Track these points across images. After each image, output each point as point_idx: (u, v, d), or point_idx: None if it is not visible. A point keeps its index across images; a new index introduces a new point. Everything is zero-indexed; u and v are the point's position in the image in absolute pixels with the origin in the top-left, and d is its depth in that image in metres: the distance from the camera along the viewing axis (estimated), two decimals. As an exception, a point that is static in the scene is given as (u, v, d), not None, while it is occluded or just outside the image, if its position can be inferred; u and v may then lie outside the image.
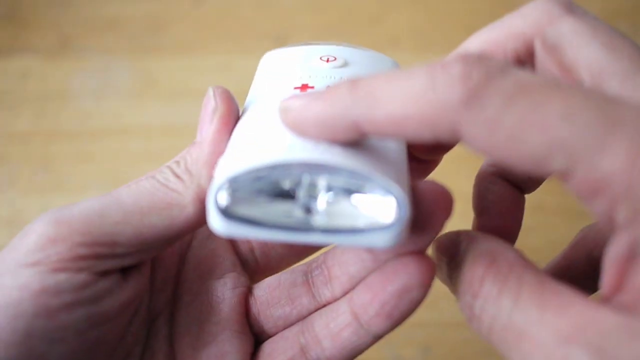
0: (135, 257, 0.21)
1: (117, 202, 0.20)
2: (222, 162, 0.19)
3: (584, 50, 0.19)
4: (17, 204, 0.42)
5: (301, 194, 0.18)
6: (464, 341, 0.37)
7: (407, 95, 0.16)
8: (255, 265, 0.26)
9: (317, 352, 0.22)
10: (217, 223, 0.18)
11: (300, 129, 0.19)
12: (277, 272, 0.26)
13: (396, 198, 0.18)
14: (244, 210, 0.18)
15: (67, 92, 0.46)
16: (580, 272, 0.24)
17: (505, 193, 0.24)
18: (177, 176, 0.21)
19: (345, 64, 0.24)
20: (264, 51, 0.25)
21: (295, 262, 0.26)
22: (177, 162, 0.21)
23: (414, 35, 0.48)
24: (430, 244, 0.20)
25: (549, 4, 0.20)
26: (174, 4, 0.50)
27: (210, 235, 0.26)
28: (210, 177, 0.20)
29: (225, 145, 0.21)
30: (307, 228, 0.18)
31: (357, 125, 0.17)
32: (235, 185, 0.18)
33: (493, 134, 0.15)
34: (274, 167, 0.18)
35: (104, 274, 0.20)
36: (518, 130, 0.15)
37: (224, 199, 0.18)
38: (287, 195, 0.18)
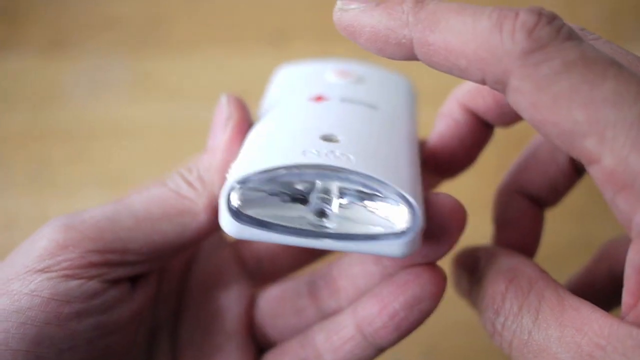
0: (146, 265, 0.20)
1: (128, 208, 0.20)
2: (235, 165, 0.19)
3: None
4: (13, 205, 0.41)
5: (314, 198, 0.18)
6: (465, 343, 0.36)
7: (470, 29, 0.16)
8: (261, 275, 0.26)
9: None
10: (228, 224, 0.18)
11: (352, 33, 0.18)
12: (280, 279, 0.26)
13: (410, 206, 0.17)
14: (256, 212, 0.18)
15: (63, 91, 0.46)
16: (602, 286, 0.24)
17: (525, 208, 0.24)
18: (189, 183, 0.21)
19: (359, 81, 0.24)
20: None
21: (299, 270, 0.26)
22: (189, 169, 0.21)
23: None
24: (442, 257, 0.20)
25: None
26: (172, 3, 0.50)
27: (216, 246, 0.25)
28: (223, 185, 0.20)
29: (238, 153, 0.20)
30: (320, 233, 0.18)
31: (410, 45, 0.17)
32: (247, 186, 0.18)
33: (540, 93, 0.15)
34: (288, 170, 0.18)
35: (115, 282, 0.20)
36: (565, 97, 0.15)
37: (236, 199, 0.18)
38: (300, 199, 0.18)
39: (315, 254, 0.26)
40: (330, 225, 0.18)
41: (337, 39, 0.52)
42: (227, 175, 0.19)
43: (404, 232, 0.17)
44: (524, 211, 0.24)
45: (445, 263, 0.21)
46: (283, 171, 0.17)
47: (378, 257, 0.21)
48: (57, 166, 0.43)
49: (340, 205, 0.18)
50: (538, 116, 0.15)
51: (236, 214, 0.18)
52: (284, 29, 0.47)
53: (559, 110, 0.15)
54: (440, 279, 0.20)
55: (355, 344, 0.21)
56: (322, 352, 0.21)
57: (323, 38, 0.47)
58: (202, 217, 0.20)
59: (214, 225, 0.20)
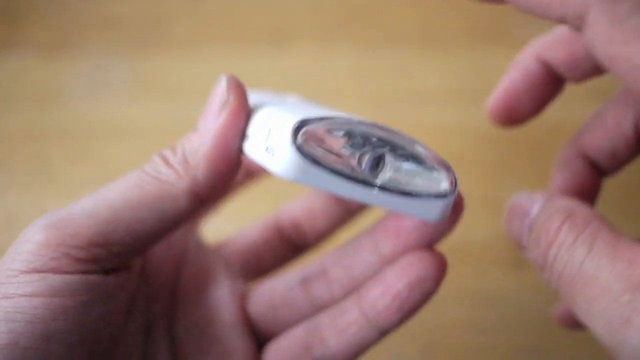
0: (134, 252, 0.20)
1: (106, 200, 0.20)
2: (266, 122, 0.19)
3: None
4: (13, 205, 0.41)
5: (367, 155, 0.19)
6: (463, 340, 0.37)
7: None
8: (247, 274, 0.26)
9: (322, 350, 0.22)
10: (290, 163, 0.18)
11: None
12: (267, 276, 0.26)
13: (450, 172, 0.19)
14: (314, 157, 0.18)
15: (63, 91, 0.46)
16: None
17: (583, 170, 0.24)
18: (170, 165, 0.20)
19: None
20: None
21: (283, 268, 0.27)
22: (174, 150, 0.20)
23: (415, 33, 0.47)
24: (440, 239, 0.21)
25: None
26: (172, 3, 0.50)
27: (201, 250, 0.26)
28: (208, 171, 0.20)
29: (231, 141, 0.20)
30: (371, 184, 0.19)
31: None
32: (308, 127, 0.18)
33: (615, 28, 0.16)
34: (347, 121, 0.19)
35: (109, 271, 0.20)
36: (637, 33, 0.16)
37: (300, 139, 0.18)
38: (353, 153, 0.19)
39: (298, 251, 0.27)
40: (378, 181, 0.19)
41: (337, 39, 0.52)
42: (246, 150, 0.20)
43: (445, 195, 0.19)
44: (582, 173, 0.24)
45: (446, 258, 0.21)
46: (344, 124, 0.19)
47: (374, 246, 0.22)
48: (57, 166, 0.43)
49: (389, 165, 0.19)
50: (612, 51, 0.17)
51: (297, 154, 0.18)
52: (284, 29, 0.47)
53: (633, 44, 0.16)
54: (442, 262, 0.21)
55: (358, 327, 0.21)
56: (327, 336, 0.22)
57: (323, 38, 0.47)
58: (181, 202, 0.20)
59: (195, 210, 0.20)
